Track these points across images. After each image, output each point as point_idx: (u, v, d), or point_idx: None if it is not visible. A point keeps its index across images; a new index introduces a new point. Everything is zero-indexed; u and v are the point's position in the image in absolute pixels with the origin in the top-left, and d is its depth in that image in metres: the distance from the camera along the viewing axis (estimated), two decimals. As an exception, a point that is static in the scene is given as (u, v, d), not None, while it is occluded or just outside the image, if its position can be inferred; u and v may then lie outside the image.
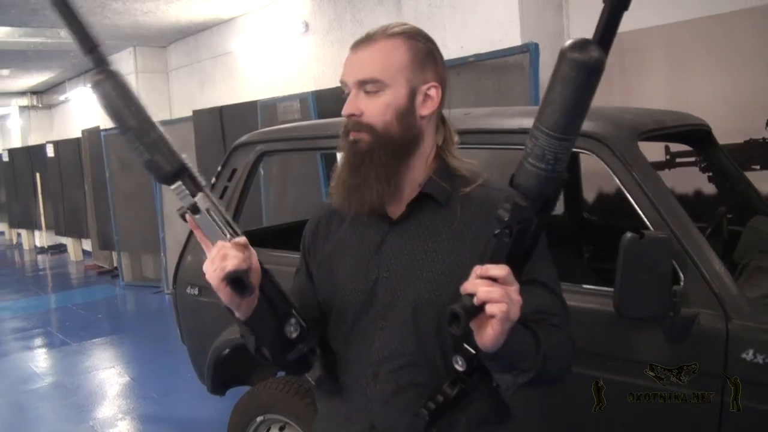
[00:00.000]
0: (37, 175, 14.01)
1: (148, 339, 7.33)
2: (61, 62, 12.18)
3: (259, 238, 2.26)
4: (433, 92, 1.50)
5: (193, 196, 1.36)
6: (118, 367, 6.39)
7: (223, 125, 7.90)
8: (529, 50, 4.54)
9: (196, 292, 3.36)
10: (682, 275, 2.12)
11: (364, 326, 1.55)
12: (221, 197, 3.30)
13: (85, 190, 11.51)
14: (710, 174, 3.97)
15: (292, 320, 1.45)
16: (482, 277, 1.20)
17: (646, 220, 2.21)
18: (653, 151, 2.50)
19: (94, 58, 1.31)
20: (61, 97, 14.21)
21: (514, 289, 1.20)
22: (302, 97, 6.64)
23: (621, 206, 4.17)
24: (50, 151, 12.66)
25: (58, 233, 13.55)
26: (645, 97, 4.47)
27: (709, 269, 2.11)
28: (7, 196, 16.29)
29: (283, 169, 6.65)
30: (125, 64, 10.93)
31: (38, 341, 7.54)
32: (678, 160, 4.01)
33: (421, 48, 1.50)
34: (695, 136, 3.21)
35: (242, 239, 1.34)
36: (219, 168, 3.39)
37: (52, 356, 6.97)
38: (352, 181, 1.48)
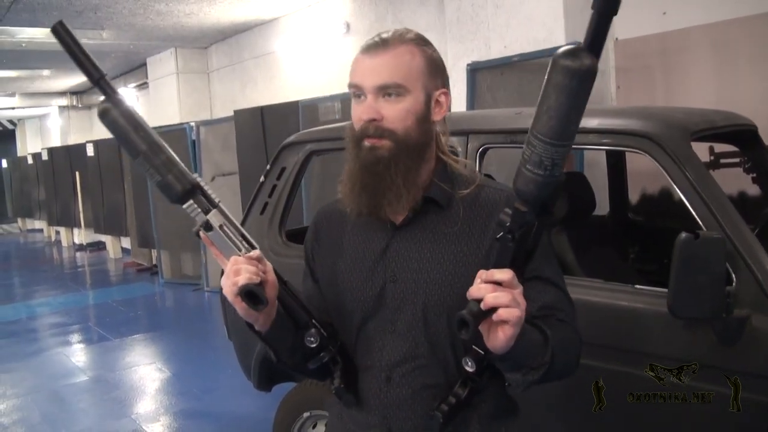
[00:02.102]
0: (77, 173, 14.16)
1: (187, 336, 7.40)
2: (102, 63, 12.15)
3: (300, 237, 2.28)
4: (443, 99, 1.53)
5: (206, 213, 1.40)
6: (159, 363, 6.46)
7: (264, 125, 7.96)
8: (574, 50, 4.51)
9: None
10: (734, 276, 2.11)
11: (374, 331, 1.56)
12: (270, 196, 3.34)
13: (125, 188, 11.63)
14: (755, 175, 3.93)
15: (312, 330, 1.49)
16: (487, 282, 1.23)
17: (698, 220, 2.20)
18: (696, 151, 2.49)
19: (101, 88, 1.40)
20: (101, 98, 14.21)
21: (518, 292, 1.23)
22: (343, 98, 6.65)
23: (667, 207, 4.16)
24: (90, 151, 12.81)
25: (97, 231, 13.67)
26: (689, 97, 4.43)
27: (761, 270, 2.10)
28: (47, 194, 16.51)
29: (325, 168, 6.68)
30: (166, 64, 11.07)
31: (78, 336, 7.63)
32: (722, 160, 3.97)
33: (432, 55, 1.52)
34: (742, 137, 3.19)
35: (256, 253, 1.38)
36: (268, 167, 3.43)
37: (92, 351, 7.06)
38: (376, 186, 1.47)
